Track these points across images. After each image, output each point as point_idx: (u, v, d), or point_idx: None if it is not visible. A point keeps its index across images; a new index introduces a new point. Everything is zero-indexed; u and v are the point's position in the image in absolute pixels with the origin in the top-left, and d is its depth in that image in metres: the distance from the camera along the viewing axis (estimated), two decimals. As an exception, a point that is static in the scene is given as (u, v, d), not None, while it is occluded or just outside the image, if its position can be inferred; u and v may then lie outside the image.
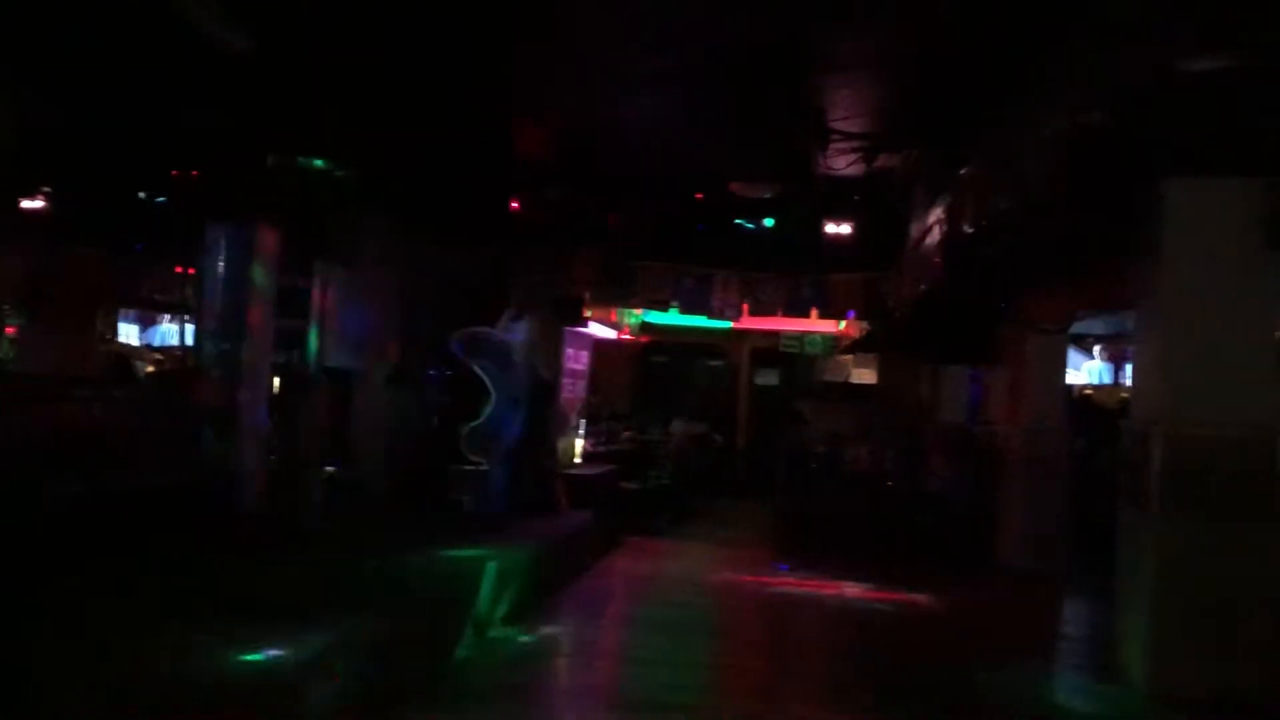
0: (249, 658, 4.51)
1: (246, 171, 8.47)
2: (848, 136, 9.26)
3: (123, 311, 15.99)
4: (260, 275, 8.11)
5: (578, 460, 11.84)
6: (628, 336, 17.32)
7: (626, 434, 14.89)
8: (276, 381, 9.17)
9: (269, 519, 7.78)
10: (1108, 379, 15.46)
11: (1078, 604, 9.45)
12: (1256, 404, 6.29)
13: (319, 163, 9.41)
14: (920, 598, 9.43)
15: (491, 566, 7.01)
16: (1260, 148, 5.61)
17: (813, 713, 5.89)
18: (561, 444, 11.07)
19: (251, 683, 4.32)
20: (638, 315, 17.22)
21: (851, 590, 9.62)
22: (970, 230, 6.74)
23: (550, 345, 10.76)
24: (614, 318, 13.28)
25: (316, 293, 8.95)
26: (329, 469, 9.35)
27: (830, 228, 11.17)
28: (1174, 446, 6.23)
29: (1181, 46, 4.01)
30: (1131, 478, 6.63)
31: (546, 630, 7.35)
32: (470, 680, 5.97)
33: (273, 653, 4.59)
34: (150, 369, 13.90)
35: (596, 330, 12.50)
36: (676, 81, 8.08)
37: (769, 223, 11.24)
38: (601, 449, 13.06)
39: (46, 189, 10.64)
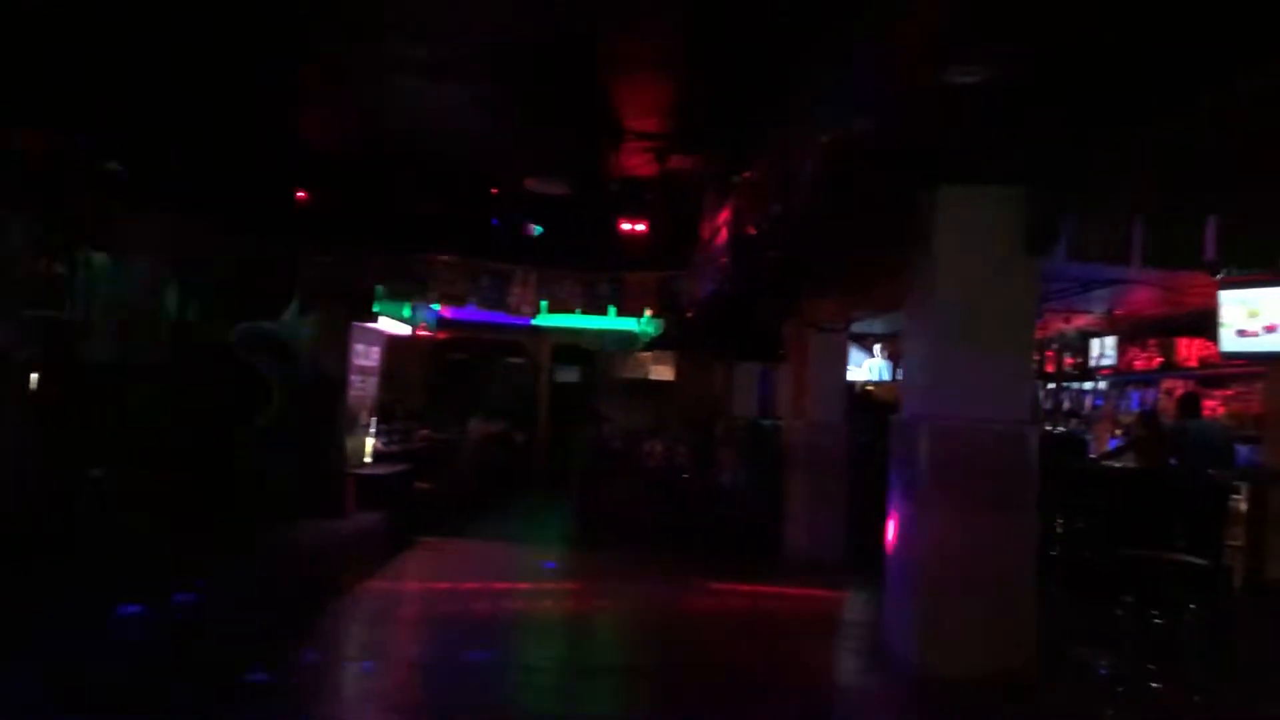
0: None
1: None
2: (640, 136, 9.36)
3: None
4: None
5: (368, 460, 11.51)
6: (424, 333, 17.01)
7: (423, 433, 14.59)
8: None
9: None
10: (887, 375, 16.22)
11: (856, 591, 9.87)
12: (1013, 400, 6.72)
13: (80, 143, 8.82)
14: (709, 589, 9.66)
15: (273, 570, 6.73)
16: (1015, 157, 5.98)
17: (597, 703, 5.91)
18: (350, 443, 10.73)
19: None
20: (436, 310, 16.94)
21: (640, 583, 9.75)
22: (752, 232, 6.91)
23: (338, 341, 10.40)
24: (411, 312, 12.97)
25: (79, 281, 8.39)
26: (95, 472, 8.78)
27: (626, 226, 11.26)
28: (938, 440, 6.57)
29: (934, 58, 4.22)
30: (900, 469, 6.97)
31: (325, 636, 7.11)
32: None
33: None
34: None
35: (388, 326, 12.18)
36: (464, 75, 7.96)
37: (564, 220, 11.23)
38: (395, 448, 12.75)
39: None
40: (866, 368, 16.41)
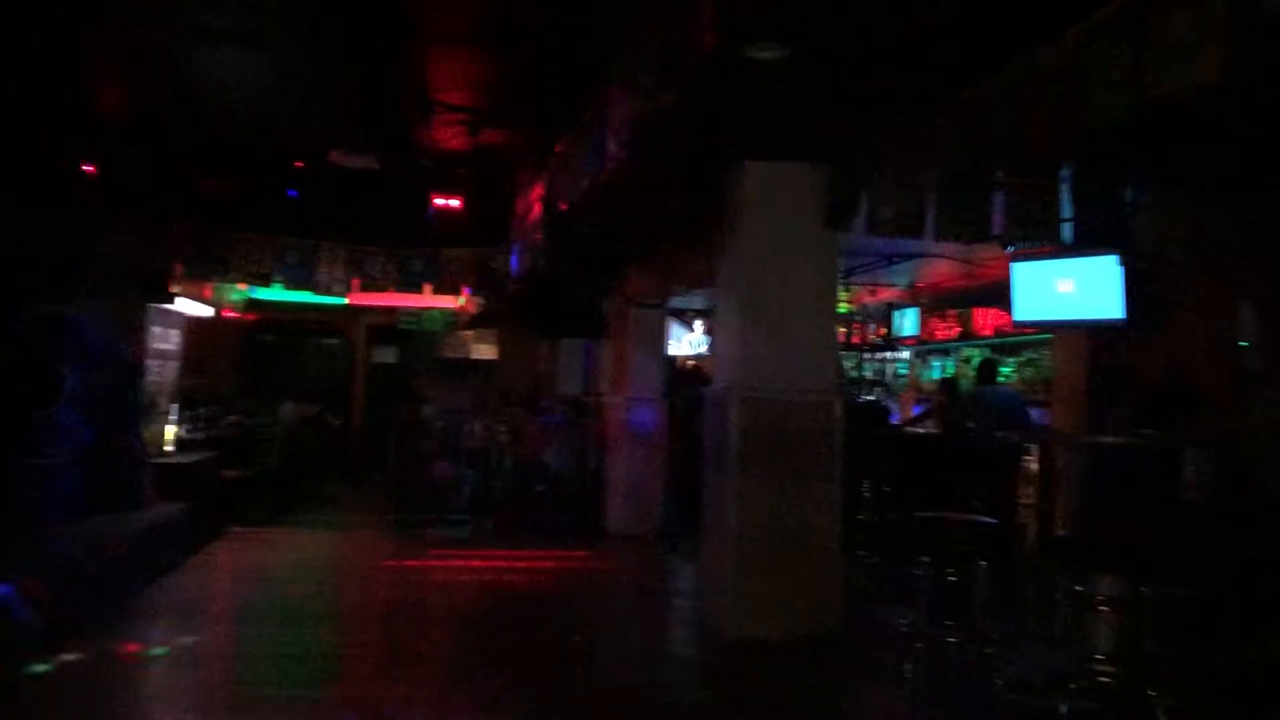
0: None
1: None
2: (452, 109, 9.15)
3: None
4: None
5: (169, 448, 10.93)
6: (232, 314, 16.33)
7: (231, 418, 13.98)
8: None
9: None
10: (707, 350, 16.50)
11: (675, 561, 10.04)
12: (818, 370, 6.93)
13: None
14: (528, 565, 9.64)
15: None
16: (814, 134, 6.13)
17: (419, 689, 5.79)
18: (148, 432, 10.16)
19: None
20: (242, 291, 16.28)
21: (457, 563, 9.65)
22: (565, 208, 6.87)
23: (133, 324, 9.82)
24: (209, 293, 12.35)
25: None
26: None
27: (439, 202, 11.01)
28: (747, 410, 6.72)
29: (738, 33, 4.27)
30: (714, 440, 7.09)
31: (124, 630, 6.73)
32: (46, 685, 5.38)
33: None
34: None
35: (189, 307, 11.57)
36: (266, 42, 7.61)
37: (377, 196, 10.89)
38: (200, 435, 12.16)
39: None
40: (688, 342, 16.65)
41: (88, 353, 9.29)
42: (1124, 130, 4.04)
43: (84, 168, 10.32)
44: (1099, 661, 4.97)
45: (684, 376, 14.03)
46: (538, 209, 8.29)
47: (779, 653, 6.42)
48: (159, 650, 6.51)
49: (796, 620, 6.66)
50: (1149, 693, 4.66)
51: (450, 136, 9.45)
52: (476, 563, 9.71)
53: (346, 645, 6.88)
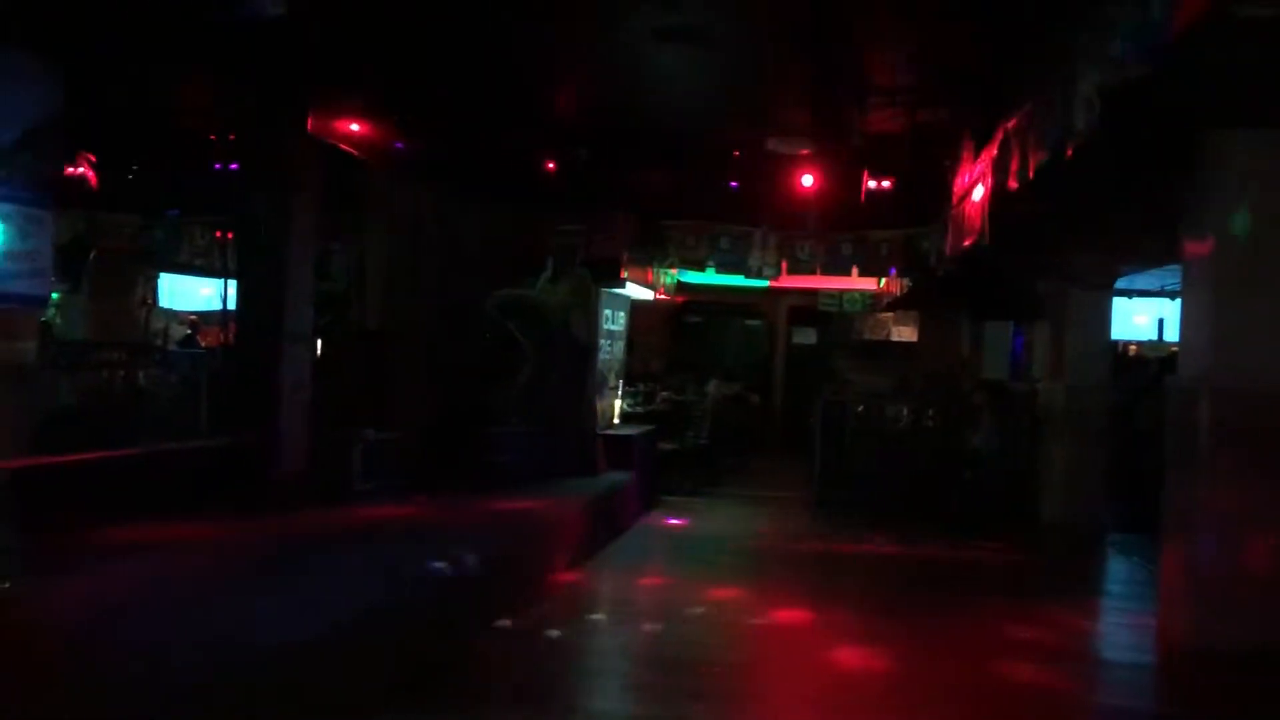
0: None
1: (281, 141, 8.47)
2: (887, 92, 9.06)
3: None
4: (295, 240, 8.23)
5: (616, 421, 11.85)
6: (664, 297, 17.28)
7: (663, 394, 14.86)
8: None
9: (310, 479, 7.90)
10: (1154, 335, 15.21)
11: (1120, 559, 9.41)
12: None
13: (353, 126, 9.45)
14: (961, 554, 9.45)
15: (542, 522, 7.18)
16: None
17: (856, 659, 5.91)
18: (600, 405, 11.09)
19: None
20: (673, 275, 17.18)
21: (890, 547, 9.64)
22: (1014, 186, 6.60)
23: (587, 306, 10.75)
24: (649, 278, 13.18)
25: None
26: (369, 433, 9.40)
27: (870, 184, 10.96)
28: (1224, 404, 6.13)
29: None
30: (1179, 436, 6.53)
31: (596, 579, 7.62)
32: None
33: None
34: (188, 332, 14.08)
35: (634, 291, 12.44)
36: (709, 38, 7.94)
37: (807, 180, 11.04)
38: (639, 410, 13.06)
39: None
40: (1132, 326, 15.49)
41: (549, 333, 10.30)
42: None
43: (545, 165, 11.34)
44: None
45: (1124, 363, 13.05)
46: (978, 187, 8.01)
47: (1252, 665, 5.82)
48: (625, 598, 7.11)
49: (1269, 633, 5.99)
50: None
51: (886, 118, 9.38)
52: (901, 546, 9.66)
53: (779, 610, 7.11)
